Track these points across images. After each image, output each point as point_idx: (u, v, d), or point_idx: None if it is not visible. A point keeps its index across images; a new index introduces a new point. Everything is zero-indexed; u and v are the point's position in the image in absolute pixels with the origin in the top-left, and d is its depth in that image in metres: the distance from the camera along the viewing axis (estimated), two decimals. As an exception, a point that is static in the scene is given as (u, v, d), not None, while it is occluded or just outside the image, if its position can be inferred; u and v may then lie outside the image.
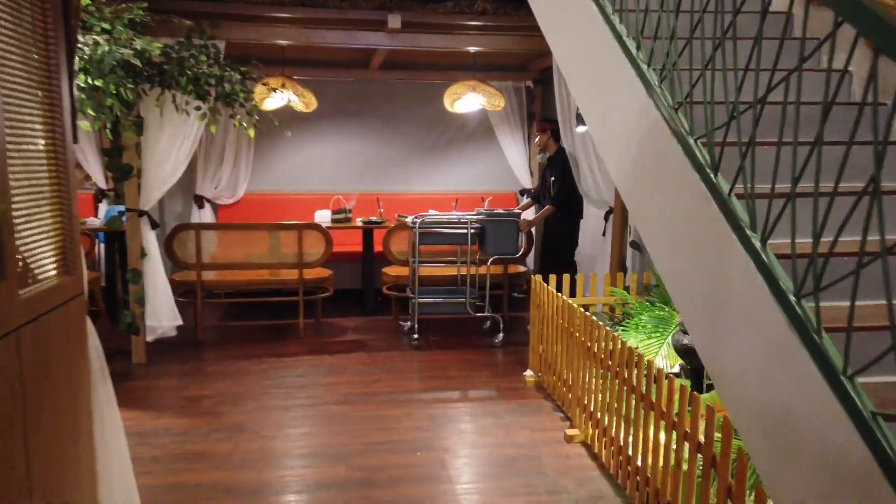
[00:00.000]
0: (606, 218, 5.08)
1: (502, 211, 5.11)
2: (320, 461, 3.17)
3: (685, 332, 3.43)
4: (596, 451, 3.21)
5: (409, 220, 5.15)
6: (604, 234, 5.10)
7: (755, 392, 1.82)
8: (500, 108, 6.15)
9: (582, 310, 3.55)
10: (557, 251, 5.32)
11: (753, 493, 1.93)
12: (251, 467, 3.10)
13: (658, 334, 3.85)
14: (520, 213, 5.12)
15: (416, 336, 5.00)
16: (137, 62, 3.92)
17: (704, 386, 3.28)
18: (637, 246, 5.12)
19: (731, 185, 1.98)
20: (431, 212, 5.87)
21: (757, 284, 1.80)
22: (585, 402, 3.38)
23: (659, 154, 2.34)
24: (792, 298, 1.71)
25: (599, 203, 5.11)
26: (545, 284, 4.15)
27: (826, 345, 1.61)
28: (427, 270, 5.34)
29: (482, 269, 5.25)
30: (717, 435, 2.17)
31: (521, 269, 5.87)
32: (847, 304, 1.78)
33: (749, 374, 1.84)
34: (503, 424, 3.61)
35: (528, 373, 4.36)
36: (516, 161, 7.01)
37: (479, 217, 4.97)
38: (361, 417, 3.68)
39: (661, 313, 3.92)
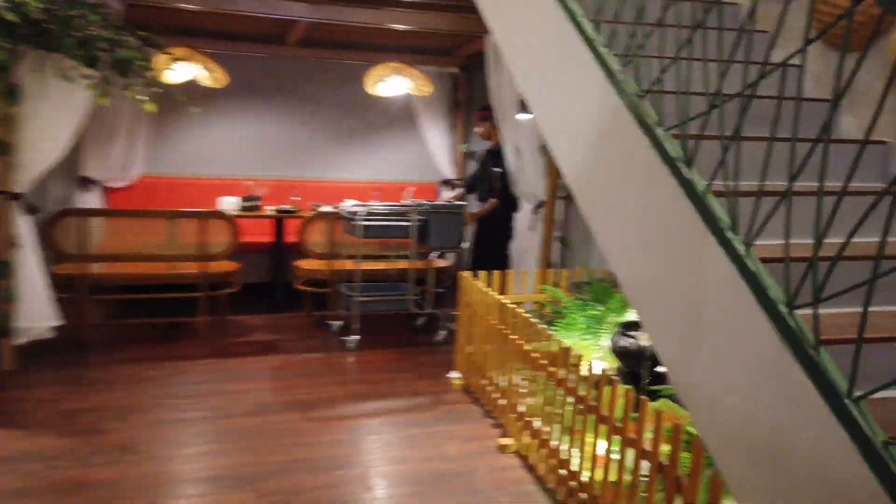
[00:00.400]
0: (535, 212, 4.88)
1: (446, 203, 4.83)
2: (225, 486, 2.76)
3: (624, 335, 3.26)
4: (532, 462, 2.98)
5: (345, 210, 4.77)
6: (531, 229, 4.90)
7: (737, 413, 1.62)
8: (428, 93, 5.83)
9: (518, 309, 3.31)
10: (492, 245, 5.07)
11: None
12: (141, 497, 2.64)
13: (592, 335, 3.68)
14: (464, 206, 4.85)
15: (355, 337, 4.61)
16: (13, 17, 3.32)
17: (643, 390, 3.12)
18: (565, 242, 4.96)
19: (710, 182, 1.78)
20: (347, 201, 5.49)
21: (740, 292, 1.60)
22: (520, 409, 3.15)
23: (621, 146, 2.12)
24: (783, 309, 1.51)
25: (529, 196, 4.91)
26: (475, 281, 3.89)
27: (825, 362, 1.41)
28: (353, 265, 4.96)
29: (416, 264, 4.95)
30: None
31: (443, 263, 5.60)
32: (837, 311, 1.60)
33: (729, 392, 1.64)
34: (431, 434, 3.31)
35: (454, 374, 4.09)
36: (439, 150, 6.73)
37: (424, 209, 4.68)
38: (273, 431, 3.28)
39: (595, 312, 3.75)
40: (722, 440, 1.69)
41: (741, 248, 1.63)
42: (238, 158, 6.27)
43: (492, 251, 5.07)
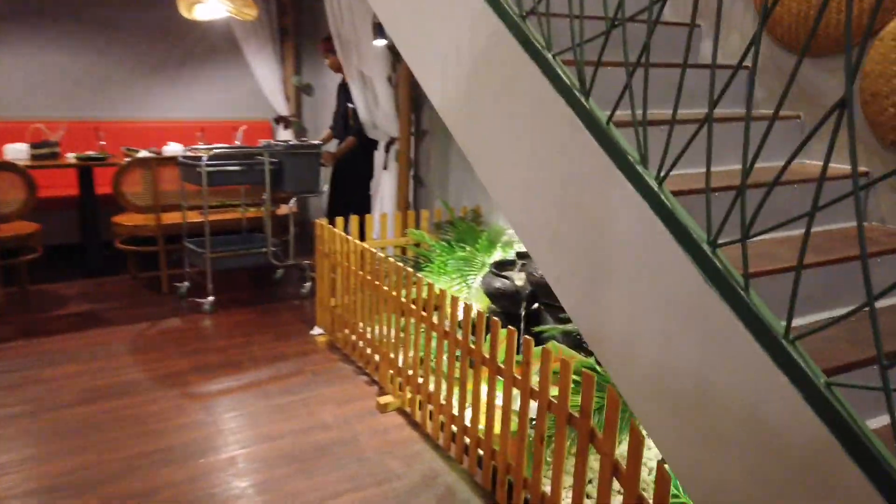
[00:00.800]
0: (387, 149, 4.58)
1: (301, 143, 4.34)
2: (59, 498, 2.28)
3: (498, 275, 3.15)
4: (418, 419, 2.82)
5: (182, 154, 4.15)
6: (385, 168, 4.61)
7: (656, 360, 1.53)
8: (252, 17, 5.17)
9: (388, 257, 3.06)
10: (352, 187, 4.67)
11: (654, 472, 1.68)
12: (-56, 532, 2.10)
13: (461, 277, 3.55)
14: (321, 145, 4.39)
15: (210, 299, 4.08)
16: None
17: (521, 330, 3.06)
18: (419, 180, 4.74)
19: (612, 112, 1.63)
20: (171, 144, 4.81)
21: (655, 232, 1.49)
22: (400, 365, 2.94)
23: (504, 73, 1.92)
24: (706, 247, 1.42)
25: (380, 133, 4.58)
26: (334, 229, 3.55)
27: (757, 302, 1.34)
28: (194, 215, 4.37)
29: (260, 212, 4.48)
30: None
31: (285, 209, 5.15)
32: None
33: (647, 338, 1.54)
34: (302, 402, 3.01)
35: (317, 331, 3.79)
36: (269, 84, 6.11)
37: (277, 150, 4.17)
38: (111, 421, 2.79)
39: (464, 254, 3.61)
40: (640, 389, 1.60)
41: (654, 184, 1.51)
42: (21, 97, 5.20)
43: (351, 194, 4.70)
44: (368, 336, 3.25)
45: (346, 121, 4.69)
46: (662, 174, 1.52)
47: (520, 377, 2.10)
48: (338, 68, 4.63)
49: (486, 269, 3.37)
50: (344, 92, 4.69)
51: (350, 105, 4.59)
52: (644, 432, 1.75)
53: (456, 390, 2.54)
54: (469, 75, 2.09)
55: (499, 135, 1.97)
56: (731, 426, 1.38)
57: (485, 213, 4.11)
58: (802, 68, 2.34)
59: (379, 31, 3.98)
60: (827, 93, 2.24)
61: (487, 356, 2.29)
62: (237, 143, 5.24)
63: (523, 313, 3.03)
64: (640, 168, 1.55)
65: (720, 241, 1.41)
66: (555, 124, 1.76)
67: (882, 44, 2.03)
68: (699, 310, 1.42)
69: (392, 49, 4.37)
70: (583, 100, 1.68)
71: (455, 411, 2.54)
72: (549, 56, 1.77)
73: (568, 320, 2.75)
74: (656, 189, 1.51)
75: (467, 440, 2.47)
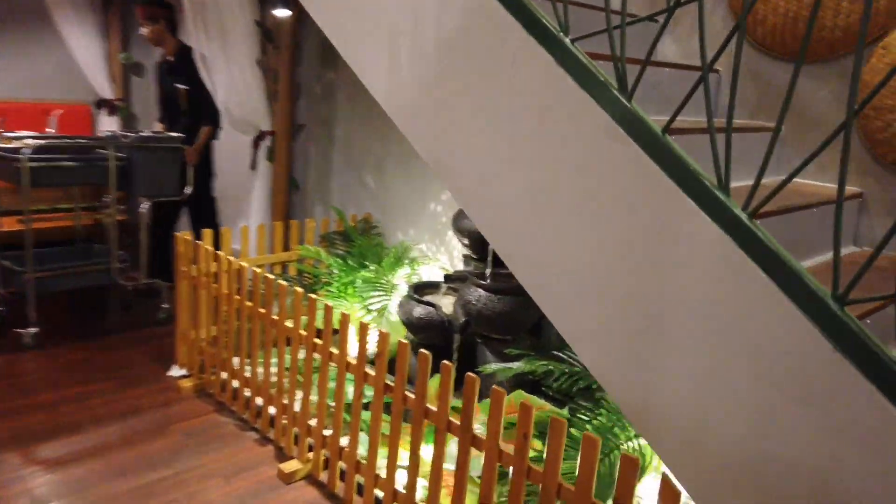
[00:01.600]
0: (255, 145, 3.86)
1: (157, 135, 3.45)
2: None
3: (418, 301, 2.65)
4: (339, 492, 2.23)
5: None
6: (252, 168, 3.88)
7: (749, 449, 1.20)
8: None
9: (282, 281, 2.44)
10: (199, 186, 3.73)
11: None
12: None
13: (361, 301, 2.99)
14: (183, 138, 3.47)
15: (31, 330, 3.15)
16: None
17: (455, 361, 2.58)
18: (294, 183, 4.06)
19: (671, 119, 1.27)
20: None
21: (748, 278, 1.12)
22: (311, 422, 2.33)
23: (499, 62, 1.48)
24: (832, 304, 1.09)
25: (244, 125, 3.83)
26: (200, 243, 2.81)
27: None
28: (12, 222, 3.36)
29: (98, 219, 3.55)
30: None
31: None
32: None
33: (735, 420, 1.20)
34: (176, 478, 2.27)
35: (177, 371, 3.00)
36: (89, 61, 5.03)
37: (126, 143, 3.29)
38: None
39: (369, 274, 3.05)
40: (717, 482, 1.24)
41: (743, 217, 1.15)
42: None
43: (201, 196, 3.82)
44: (256, 380, 2.58)
45: (174, 105, 3.73)
46: (755, 203, 1.16)
47: (513, 453, 1.63)
48: (158, 42, 3.67)
49: (399, 293, 2.86)
50: (170, 72, 3.72)
51: (180, 86, 3.66)
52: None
53: (400, 452, 2.01)
54: (437, 62, 1.61)
55: (487, 141, 1.51)
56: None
57: (380, 224, 3.57)
58: (785, 74, 2.13)
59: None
60: (815, 104, 2.04)
61: (458, 422, 1.79)
62: (50, 130, 4.18)
63: (456, 348, 2.56)
64: (720, 194, 1.18)
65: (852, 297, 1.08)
66: (580, 131, 1.35)
67: (887, 52, 1.86)
68: (824, 387, 1.09)
69: (262, 25, 3.67)
70: (625, 102, 1.28)
71: (400, 484, 2.01)
72: (569, 43, 1.35)
73: (514, 357, 2.33)
74: (748, 223, 1.14)
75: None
